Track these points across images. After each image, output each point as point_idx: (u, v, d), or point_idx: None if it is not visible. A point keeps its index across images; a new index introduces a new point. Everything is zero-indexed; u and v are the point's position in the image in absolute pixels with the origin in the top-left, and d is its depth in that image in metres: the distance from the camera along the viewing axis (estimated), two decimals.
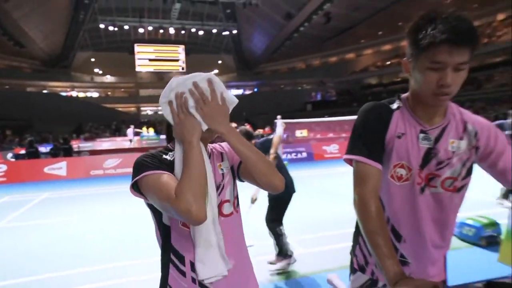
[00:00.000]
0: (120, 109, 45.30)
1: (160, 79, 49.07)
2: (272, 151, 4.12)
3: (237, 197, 1.35)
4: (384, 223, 1.22)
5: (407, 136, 1.29)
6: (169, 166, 1.17)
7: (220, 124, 1.17)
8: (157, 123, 37.08)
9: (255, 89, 50.15)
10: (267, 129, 24.20)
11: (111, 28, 32.61)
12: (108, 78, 49.75)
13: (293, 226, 5.22)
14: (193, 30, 35.75)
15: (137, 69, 46.39)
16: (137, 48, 44.90)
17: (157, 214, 1.24)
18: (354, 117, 1.40)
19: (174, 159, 1.20)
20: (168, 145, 1.33)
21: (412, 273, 1.34)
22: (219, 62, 51.76)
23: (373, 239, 1.18)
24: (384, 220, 1.23)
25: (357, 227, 1.51)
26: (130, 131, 22.45)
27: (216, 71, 52.15)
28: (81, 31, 37.24)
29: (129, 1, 29.15)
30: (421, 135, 1.28)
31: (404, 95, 1.38)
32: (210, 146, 1.38)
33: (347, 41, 43.33)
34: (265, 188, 1.27)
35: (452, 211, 1.33)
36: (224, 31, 36.39)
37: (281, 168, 4.00)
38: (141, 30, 35.45)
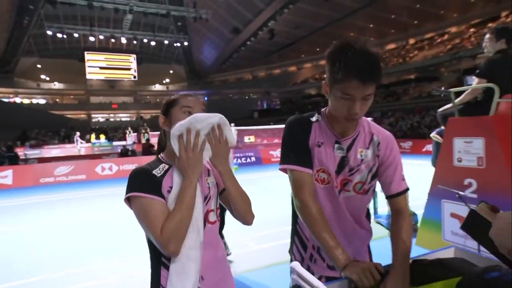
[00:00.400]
0: (69, 115, 42.12)
1: (112, 86, 46.77)
2: None
3: (220, 207, 1.42)
4: (326, 220, 1.30)
5: (325, 145, 1.39)
6: (157, 183, 1.22)
7: (221, 164, 1.28)
8: (108, 130, 35.42)
9: (206, 98, 49.78)
10: None
11: (59, 35, 30.06)
12: (56, 85, 46.09)
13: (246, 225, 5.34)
14: (145, 40, 34.34)
15: (88, 76, 43.71)
16: (88, 56, 42.38)
17: None
18: None
19: (162, 173, 1.25)
20: (160, 156, 1.36)
21: None
22: (171, 71, 50.69)
23: (320, 235, 1.27)
24: (325, 217, 1.32)
25: (292, 230, 1.60)
26: (75, 138, 20.84)
27: (167, 80, 51.10)
28: (26, 36, 34.30)
29: (78, 9, 27.42)
30: (336, 145, 1.39)
31: (323, 109, 1.47)
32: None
33: (290, 55, 44.59)
34: (238, 219, 1.40)
35: (363, 209, 1.48)
36: (176, 42, 35.66)
37: None
38: (91, 39, 33.21)
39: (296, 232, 1.56)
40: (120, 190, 1.22)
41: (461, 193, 3.43)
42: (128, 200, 1.21)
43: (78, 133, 21.51)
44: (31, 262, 4.44)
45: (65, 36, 31.08)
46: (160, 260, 1.25)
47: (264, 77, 50.83)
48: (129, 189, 1.19)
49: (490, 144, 3.58)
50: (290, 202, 1.56)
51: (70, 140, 30.01)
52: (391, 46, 39.42)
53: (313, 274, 1.42)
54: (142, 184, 1.19)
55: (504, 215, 0.74)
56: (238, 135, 16.92)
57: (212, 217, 1.34)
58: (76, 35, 31.30)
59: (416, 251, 1.49)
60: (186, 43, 37.10)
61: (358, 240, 1.49)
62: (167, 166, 1.29)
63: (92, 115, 45.95)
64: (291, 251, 1.61)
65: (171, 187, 1.24)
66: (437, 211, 4.04)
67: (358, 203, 1.44)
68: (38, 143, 29.78)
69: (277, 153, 15.22)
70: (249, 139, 18.31)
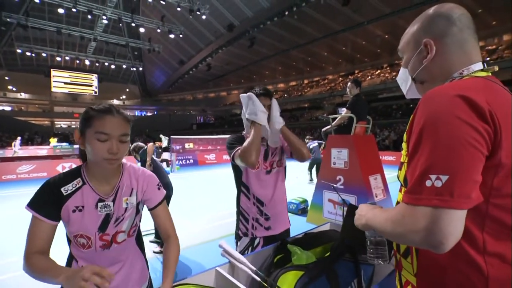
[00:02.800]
0: (33, 122, 35.39)
1: (74, 99, 40.85)
2: (148, 159, 3.64)
3: (135, 226, 1.06)
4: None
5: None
6: (58, 202, 0.91)
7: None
8: (70, 135, 31.08)
9: (155, 112, 46.81)
10: (159, 143, 22.84)
11: (28, 53, 25.26)
12: (22, 95, 38.13)
13: (186, 211, 5.16)
14: (106, 64, 30.84)
15: (53, 89, 36.93)
16: (54, 72, 35.90)
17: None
18: (226, 136, 1.72)
19: (71, 191, 0.94)
20: (82, 169, 0.99)
21: (272, 226, 1.57)
22: (127, 90, 46.39)
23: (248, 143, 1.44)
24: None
25: (237, 212, 1.64)
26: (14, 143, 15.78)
27: (124, 96, 46.83)
28: None
29: (48, 33, 23.58)
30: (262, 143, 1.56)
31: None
32: (124, 180, 1.04)
33: (222, 84, 44.38)
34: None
35: (282, 182, 1.67)
36: (132, 67, 32.98)
37: (159, 170, 3.53)
38: (58, 58, 28.35)
39: (240, 212, 1.62)
40: None
41: (334, 185, 3.79)
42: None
43: (19, 138, 16.52)
44: None
45: (33, 55, 26.23)
46: (72, 257, 1.01)
47: (202, 98, 49.71)
48: (30, 201, 0.91)
49: (351, 153, 3.96)
50: (236, 194, 1.65)
51: (34, 143, 25.66)
52: (293, 83, 41.78)
53: (255, 238, 1.57)
54: (40, 202, 0.91)
55: (360, 207, 0.84)
56: (180, 142, 16.33)
57: (121, 237, 1.02)
58: (44, 54, 26.56)
59: (307, 226, 1.64)
60: (140, 68, 34.67)
61: (284, 209, 1.66)
62: (81, 183, 0.96)
63: (55, 122, 39.28)
64: (237, 226, 1.64)
65: (77, 207, 0.94)
66: (320, 198, 4.28)
67: (281, 174, 1.66)
68: (2, 144, 24.79)
69: (210, 157, 14.98)
70: (188, 145, 17.63)
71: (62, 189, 0.93)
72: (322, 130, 4.62)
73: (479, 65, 0.70)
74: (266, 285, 0.90)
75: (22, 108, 38.50)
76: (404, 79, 0.83)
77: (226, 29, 22.93)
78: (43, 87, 36.67)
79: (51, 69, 35.62)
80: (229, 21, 22.37)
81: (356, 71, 33.40)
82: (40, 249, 0.89)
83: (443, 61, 0.71)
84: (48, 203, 0.91)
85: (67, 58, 27.93)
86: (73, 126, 39.60)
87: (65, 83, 37.59)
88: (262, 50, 28.70)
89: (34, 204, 0.91)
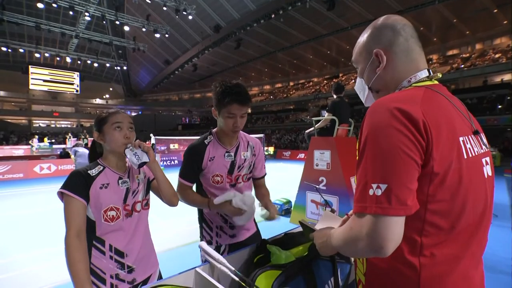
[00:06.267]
0: (9, 120, 33.45)
1: (54, 97, 39.02)
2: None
3: (147, 199, 1.31)
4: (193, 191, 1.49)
5: (216, 157, 1.44)
6: (87, 182, 1.12)
7: (153, 161, 1.21)
8: (49, 135, 29.78)
9: (140, 112, 45.83)
10: (147, 142, 22.40)
11: (4, 48, 23.79)
12: None
13: (167, 213, 5.06)
14: (89, 61, 29.34)
15: (31, 87, 34.70)
16: (32, 69, 33.79)
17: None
18: None
19: (97, 173, 1.16)
20: (98, 160, 1.24)
21: (237, 233, 1.52)
22: (111, 89, 45.04)
23: (191, 200, 1.48)
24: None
25: (199, 219, 1.58)
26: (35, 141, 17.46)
27: (107, 95, 45.55)
28: None
29: (26, 29, 22.55)
30: (226, 154, 1.46)
31: (214, 130, 1.52)
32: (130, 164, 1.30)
33: (208, 84, 43.85)
34: (165, 202, 1.31)
35: (249, 191, 1.50)
36: (116, 66, 31.98)
37: None
38: (37, 55, 26.44)
39: (203, 219, 1.56)
40: (59, 186, 1.09)
41: (317, 186, 3.85)
42: (60, 194, 1.10)
43: (37, 136, 19.02)
44: None
45: (10, 50, 24.81)
46: (91, 243, 1.14)
47: (188, 99, 49.11)
48: (63, 185, 1.09)
49: (333, 155, 4.05)
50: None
51: (9, 143, 24.50)
52: (278, 85, 42.08)
53: (220, 246, 1.48)
54: (71, 184, 1.09)
55: (316, 233, 0.86)
56: (165, 143, 16.04)
57: (139, 207, 1.25)
58: (21, 50, 24.96)
59: (290, 227, 1.66)
60: (125, 68, 33.71)
61: None
62: (102, 168, 1.20)
63: (34, 121, 37.17)
64: (201, 235, 1.57)
65: (103, 184, 1.15)
66: (303, 199, 4.36)
67: (247, 188, 1.54)
68: None
69: None
70: (173, 146, 17.39)
71: (89, 172, 1.15)
72: (305, 132, 4.69)
73: (425, 72, 0.75)
74: (244, 285, 0.91)
75: None
76: (361, 89, 0.88)
77: (212, 30, 22.81)
78: (20, 85, 34.67)
79: (30, 66, 33.66)
80: (215, 22, 22.28)
81: (341, 75, 34.15)
82: (79, 229, 1.06)
83: (394, 70, 0.76)
84: (78, 184, 1.10)
85: (46, 54, 26.40)
86: (52, 126, 37.93)
87: (44, 80, 35.52)
88: (248, 52, 28.74)
89: (67, 186, 1.08)
